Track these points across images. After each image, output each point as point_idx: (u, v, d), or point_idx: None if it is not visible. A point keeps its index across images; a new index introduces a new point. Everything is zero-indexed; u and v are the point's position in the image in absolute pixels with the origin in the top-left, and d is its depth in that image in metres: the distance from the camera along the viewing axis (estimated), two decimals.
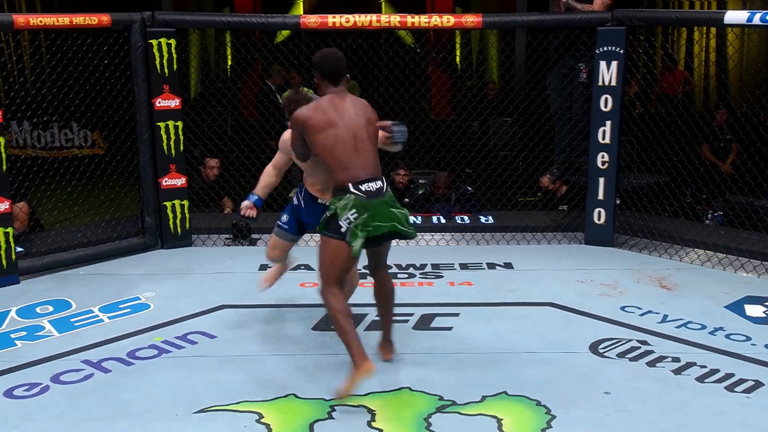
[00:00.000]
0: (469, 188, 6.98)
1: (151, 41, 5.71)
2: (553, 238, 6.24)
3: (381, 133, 3.75)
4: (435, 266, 5.61)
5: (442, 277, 5.40)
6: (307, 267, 5.33)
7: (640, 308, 4.75)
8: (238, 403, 3.59)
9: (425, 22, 5.93)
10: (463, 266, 5.63)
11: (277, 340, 4.28)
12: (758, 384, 3.74)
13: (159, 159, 5.85)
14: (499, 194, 6.79)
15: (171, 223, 5.92)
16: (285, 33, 9.77)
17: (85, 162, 6.28)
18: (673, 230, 6.01)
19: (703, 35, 11.55)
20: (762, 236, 5.70)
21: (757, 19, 5.14)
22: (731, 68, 10.58)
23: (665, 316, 4.63)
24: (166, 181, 5.88)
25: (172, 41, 5.78)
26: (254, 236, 6.16)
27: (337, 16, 5.85)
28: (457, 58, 12.92)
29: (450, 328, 4.47)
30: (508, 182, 6.74)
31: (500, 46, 9.46)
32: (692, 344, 4.21)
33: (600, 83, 5.81)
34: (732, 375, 3.83)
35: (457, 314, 4.67)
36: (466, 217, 6.61)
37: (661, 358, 4.05)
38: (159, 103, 5.80)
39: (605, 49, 5.76)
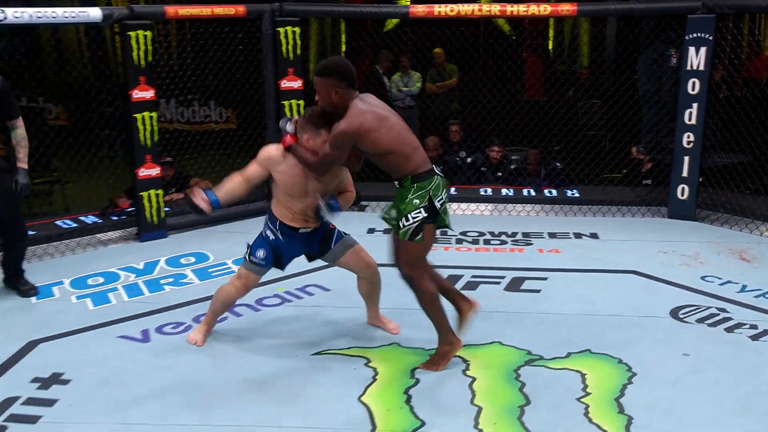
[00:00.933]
0: (559, 164, 6.83)
1: (278, 29, 5.82)
2: (637, 211, 6.05)
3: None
4: (525, 234, 5.54)
5: (531, 244, 5.33)
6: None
7: (719, 278, 4.56)
8: (348, 348, 3.67)
9: (523, 11, 5.79)
10: (552, 235, 5.53)
11: (384, 296, 4.33)
12: None
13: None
14: (587, 170, 6.62)
15: None
16: (393, 21, 9.75)
17: (221, 135, 6.49)
18: (754, 207, 5.72)
19: None
20: None
21: None
22: None
23: (744, 286, 4.43)
24: None
25: (297, 29, 5.87)
26: (363, 203, 6.21)
27: (443, 5, 5.79)
28: (550, 45, 12.57)
29: (538, 291, 4.42)
30: (596, 159, 6.56)
31: (593, 33, 9.12)
32: None
33: (688, 68, 5.57)
34: None
35: (545, 278, 4.61)
36: (554, 191, 6.48)
37: (739, 325, 3.88)
38: (284, 84, 5.92)
39: (695, 35, 5.50)
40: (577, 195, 6.36)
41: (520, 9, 5.79)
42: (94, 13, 5.08)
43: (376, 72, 7.93)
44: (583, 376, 3.36)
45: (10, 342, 3.73)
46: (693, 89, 5.57)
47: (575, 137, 6.81)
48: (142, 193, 5.40)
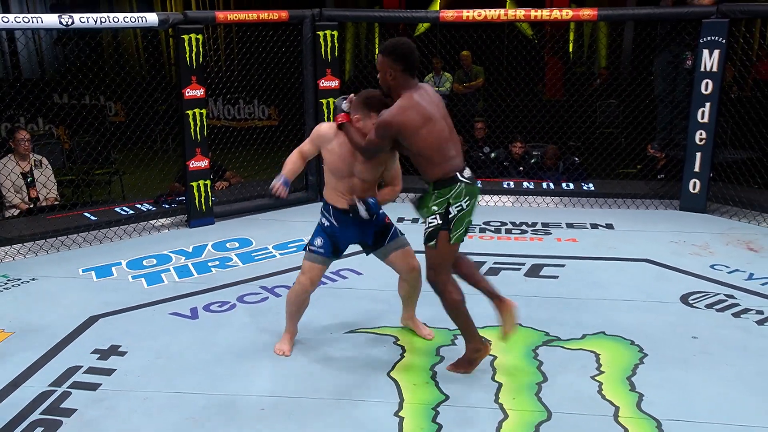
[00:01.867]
0: (576, 159, 6.75)
1: (318, 33, 5.83)
2: (651, 204, 5.95)
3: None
4: (544, 224, 5.49)
5: (550, 234, 5.28)
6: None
7: (728, 266, 4.47)
8: (378, 327, 3.68)
9: (546, 16, 5.73)
10: (569, 225, 5.48)
11: None
12: None
13: None
14: (604, 165, 6.53)
15: None
16: (425, 25, 9.69)
17: (264, 131, 6.52)
18: (762, 200, 5.60)
19: None
20: None
21: None
22: None
23: (751, 274, 4.34)
24: None
25: (335, 33, 5.87)
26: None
27: (471, 11, 5.75)
28: (570, 47, 12.40)
29: (556, 277, 4.38)
30: (612, 155, 6.47)
31: (611, 37, 8.98)
32: None
33: (702, 69, 5.47)
34: None
35: (562, 265, 4.56)
36: (572, 184, 6.40)
37: (745, 311, 3.81)
38: (323, 83, 5.93)
39: (709, 38, 5.39)
40: (593, 188, 6.28)
41: (543, 14, 5.73)
42: (152, 18, 5.14)
43: None
44: (597, 356, 3.33)
45: (73, 317, 3.82)
46: (706, 89, 5.47)
47: (593, 134, 6.73)
48: (192, 183, 5.45)
